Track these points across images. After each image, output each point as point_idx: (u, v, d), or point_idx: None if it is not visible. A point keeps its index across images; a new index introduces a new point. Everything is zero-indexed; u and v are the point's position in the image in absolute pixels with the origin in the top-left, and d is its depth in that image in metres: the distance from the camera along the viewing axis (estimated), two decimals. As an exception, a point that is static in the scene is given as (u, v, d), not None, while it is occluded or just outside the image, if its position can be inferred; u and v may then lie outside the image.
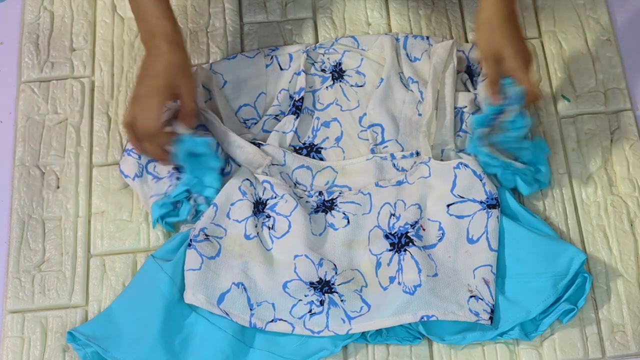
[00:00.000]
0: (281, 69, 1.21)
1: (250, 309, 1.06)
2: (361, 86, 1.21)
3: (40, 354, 1.09)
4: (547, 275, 1.06)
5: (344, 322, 1.06)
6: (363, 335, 1.06)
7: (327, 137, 1.19)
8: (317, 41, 1.27)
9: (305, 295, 1.07)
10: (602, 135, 1.19)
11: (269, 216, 1.12)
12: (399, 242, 1.09)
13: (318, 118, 1.19)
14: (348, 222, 1.12)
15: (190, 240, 1.09)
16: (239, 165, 1.14)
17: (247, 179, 1.13)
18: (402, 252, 1.08)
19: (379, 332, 1.06)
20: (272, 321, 1.06)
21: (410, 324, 1.05)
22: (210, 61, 1.25)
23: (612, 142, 1.19)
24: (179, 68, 1.09)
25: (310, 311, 1.06)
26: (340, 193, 1.14)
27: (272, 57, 1.22)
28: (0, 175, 1.18)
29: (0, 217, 1.17)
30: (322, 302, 1.07)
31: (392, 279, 1.08)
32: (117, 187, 1.18)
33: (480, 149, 1.12)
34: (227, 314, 1.06)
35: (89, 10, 1.30)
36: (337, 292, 1.07)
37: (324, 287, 1.08)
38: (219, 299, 1.06)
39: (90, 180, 1.19)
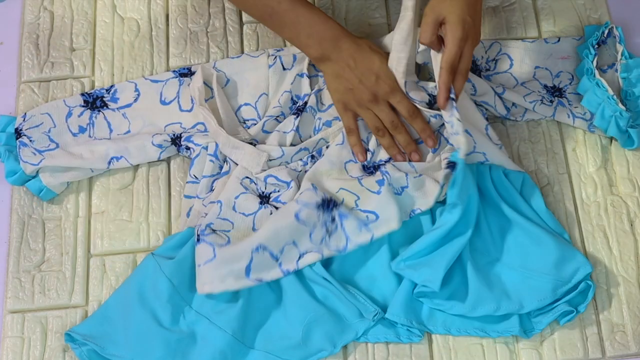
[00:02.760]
0: (284, 68, 1.21)
1: (277, 260, 1.07)
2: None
3: (40, 354, 1.09)
4: (550, 277, 1.06)
5: (360, 229, 1.08)
6: (364, 333, 1.07)
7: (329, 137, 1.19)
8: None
9: (318, 219, 1.08)
10: (602, 135, 1.19)
11: (275, 207, 1.12)
12: (375, 168, 1.14)
13: (320, 118, 1.19)
14: (322, 154, 1.16)
15: (198, 235, 1.09)
16: (236, 164, 1.15)
17: (247, 177, 1.13)
18: (382, 168, 1.13)
19: (378, 329, 1.07)
20: (299, 258, 1.07)
21: (412, 322, 1.06)
22: (210, 61, 1.25)
23: (612, 142, 1.19)
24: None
25: (327, 230, 1.08)
26: (327, 145, 1.17)
27: (275, 58, 1.22)
28: (0, 175, 1.18)
29: (0, 217, 1.17)
30: (333, 219, 1.09)
31: (380, 182, 1.11)
32: (117, 187, 1.18)
33: (590, 77, 1.16)
34: (259, 280, 1.06)
35: (89, 10, 1.30)
36: (343, 206, 1.10)
37: (329, 203, 1.10)
38: (246, 271, 1.06)
39: (91, 180, 1.19)
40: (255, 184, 1.14)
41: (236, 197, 1.12)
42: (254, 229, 1.11)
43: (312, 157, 1.16)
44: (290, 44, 1.20)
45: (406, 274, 1.06)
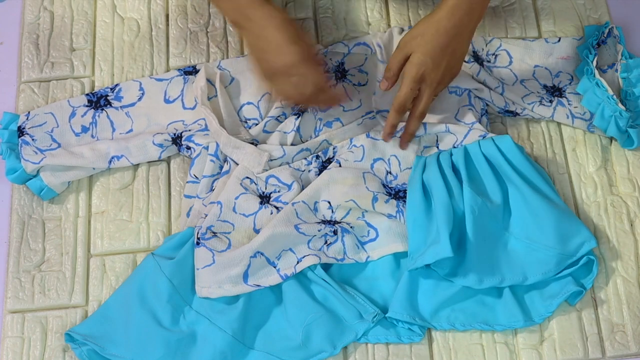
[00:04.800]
0: None
1: (274, 266, 1.07)
2: (364, 85, 1.21)
3: (40, 354, 1.09)
4: (555, 251, 1.07)
5: (358, 248, 1.09)
6: (364, 334, 1.07)
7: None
8: (317, 41, 1.27)
9: (319, 230, 1.09)
10: (602, 135, 1.19)
11: (276, 207, 1.13)
12: (397, 194, 1.13)
13: (320, 119, 1.19)
14: (340, 165, 1.14)
15: (198, 239, 1.09)
16: (237, 164, 1.15)
17: (247, 177, 1.13)
18: (401, 201, 1.12)
19: (378, 330, 1.07)
20: (298, 263, 1.08)
21: (414, 318, 1.05)
22: (211, 61, 1.25)
23: (612, 142, 1.19)
24: (290, 23, 1.10)
25: (326, 242, 1.09)
26: (334, 150, 1.17)
27: None
28: (1, 175, 1.18)
29: (0, 217, 1.17)
30: (335, 232, 1.10)
31: (390, 216, 1.11)
32: (117, 187, 1.18)
33: (590, 77, 1.16)
34: (257, 285, 1.07)
35: (89, 10, 1.30)
36: (345, 222, 1.11)
37: (331, 221, 1.11)
38: (244, 277, 1.07)
39: (91, 180, 1.19)
40: (255, 184, 1.14)
41: (236, 198, 1.12)
42: (254, 230, 1.11)
43: (317, 157, 1.16)
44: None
45: (418, 264, 1.06)
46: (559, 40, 1.25)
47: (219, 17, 1.29)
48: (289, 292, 1.08)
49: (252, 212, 1.12)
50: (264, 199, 1.13)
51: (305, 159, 1.16)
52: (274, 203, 1.13)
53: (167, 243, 1.11)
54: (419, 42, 1.08)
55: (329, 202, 1.12)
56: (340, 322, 1.07)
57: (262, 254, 1.07)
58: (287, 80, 1.10)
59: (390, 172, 1.15)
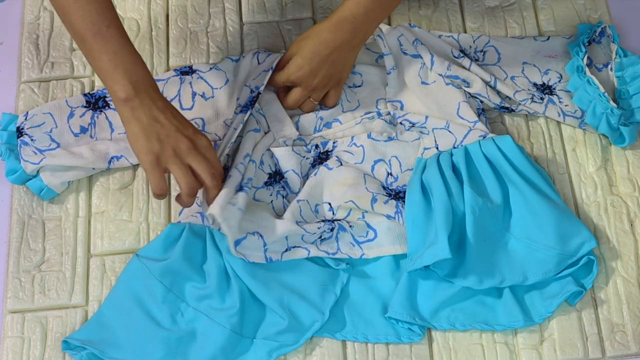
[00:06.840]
0: None
1: (264, 247, 1.08)
2: (359, 86, 1.21)
3: (40, 354, 1.09)
4: (556, 251, 1.07)
5: (353, 246, 1.10)
6: (364, 335, 1.07)
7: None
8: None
9: (318, 228, 1.10)
10: (602, 135, 1.19)
11: (283, 187, 1.14)
12: (397, 195, 1.13)
13: (322, 118, 1.19)
14: (341, 164, 1.14)
15: (242, 186, 1.10)
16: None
17: (269, 149, 1.16)
18: (400, 201, 1.12)
19: (378, 330, 1.07)
20: (286, 250, 1.09)
21: (414, 318, 1.05)
22: (211, 61, 1.25)
23: (612, 142, 1.19)
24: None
25: (320, 237, 1.10)
26: (334, 144, 1.17)
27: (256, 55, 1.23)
28: (0, 175, 1.18)
29: (0, 217, 1.17)
30: (332, 229, 1.10)
31: (389, 217, 1.11)
32: (117, 187, 1.18)
33: (580, 74, 1.16)
34: (243, 255, 1.07)
35: (89, 10, 1.30)
36: (345, 220, 1.11)
37: (332, 221, 1.12)
38: (235, 244, 1.07)
39: (91, 180, 1.19)
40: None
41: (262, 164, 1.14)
42: (254, 198, 1.13)
43: (316, 146, 1.16)
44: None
45: (417, 265, 1.06)
46: (548, 39, 1.25)
47: (219, 17, 1.29)
48: (254, 286, 1.07)
49: (257, 186, 1.13)
50: (277, 175, 1.15)
51: (307, 147, 1.16)
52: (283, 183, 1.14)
53: (152, 242, 1.11)
54: (301, 46, 1.14)
55: (330, 204, 1.12)
56: (316, 287, 1.08)
57: (261, 236, 1.08)
58: (201, 160, 1.06)
59: (391, 174, 1.15)
